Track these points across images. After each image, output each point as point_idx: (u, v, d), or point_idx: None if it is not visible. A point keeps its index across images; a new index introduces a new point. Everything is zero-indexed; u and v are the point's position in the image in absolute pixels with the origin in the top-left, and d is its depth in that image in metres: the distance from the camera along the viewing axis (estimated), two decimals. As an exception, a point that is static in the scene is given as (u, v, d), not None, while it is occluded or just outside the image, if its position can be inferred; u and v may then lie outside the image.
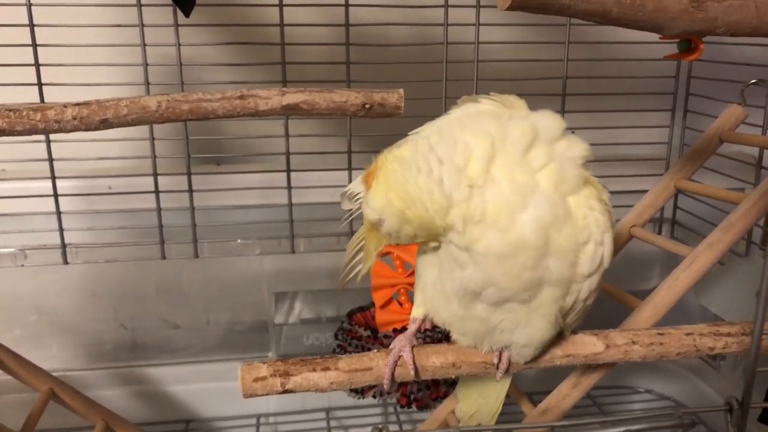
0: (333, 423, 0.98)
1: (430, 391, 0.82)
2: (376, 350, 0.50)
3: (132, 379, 0.97)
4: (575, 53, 0.88)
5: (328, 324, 0.98)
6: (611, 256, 0.48)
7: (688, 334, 0.52)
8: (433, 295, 0.51)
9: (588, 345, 0.52)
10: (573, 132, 0.97)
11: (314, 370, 0.47)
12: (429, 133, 0.49)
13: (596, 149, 0.96)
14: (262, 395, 0.47)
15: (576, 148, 0.48)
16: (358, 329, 0.85)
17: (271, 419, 0.99)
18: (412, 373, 0.51)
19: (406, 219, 0.45)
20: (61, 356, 0.95)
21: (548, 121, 0.48)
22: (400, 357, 0.51)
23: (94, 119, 0.63)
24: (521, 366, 0.52)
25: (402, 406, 0.84)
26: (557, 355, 0.52)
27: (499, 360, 0.52)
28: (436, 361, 0.50)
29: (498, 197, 0.44)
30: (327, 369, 0.47)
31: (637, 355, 0.52)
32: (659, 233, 0.95)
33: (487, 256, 0.44)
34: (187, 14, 0.70)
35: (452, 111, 0.53)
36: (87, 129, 0.63)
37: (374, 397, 0.84)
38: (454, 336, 0.52)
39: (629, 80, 0.92)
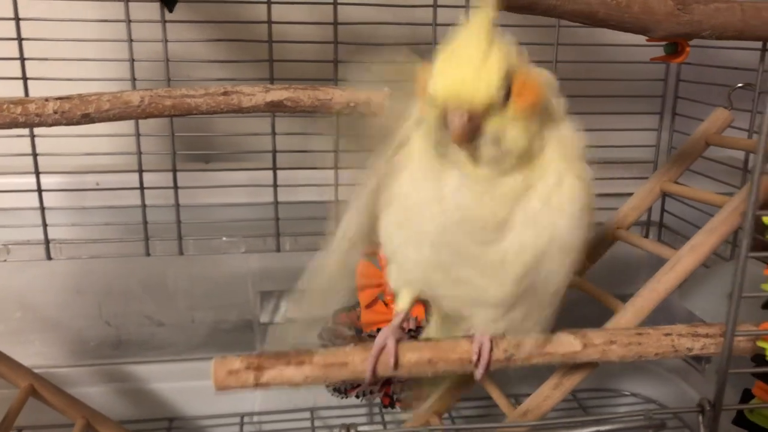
0: (318, 423, 0.98)
1: (413, 391, 0.82)
2: (353, 345, 0.50)
3: (116, 376, 0.96)
4: (565, 55, 0.88)
5: (313, 323, 0.98)
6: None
7: (666, 335, 0.52)
8: (428, 250, 0.48)
9: (565, 344, 0.52)
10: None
11: (288, 363, 0.47)
12: None
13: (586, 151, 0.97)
14: (235, 389, 0.46)
15: None
16: (343, 329, 0.85)
17: (255, 418, 0.98)
18: (392, 360, 0.50)
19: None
20: (45, 352, 0.94)
21: None
22: (382, 350, 0.51)
23: (75, 114, 0.63)
24: (498, 363, 0.52)
25: (385, 407, 0.84)
26: (535, 354, 0.51)
27: (479, 357, 0.51)
28: (412, 357, 0.50)
29: None
30: (302, 363, 0.47)
31: (615, 354, 0.52)
32: (646, 236, 0.95)
33: None
34: (170, 9, 0.70)
35: None
36: (68, 123, 0.63)
37: (357, 397, 0.84)
38: (441, 301, 0.52)
39: (618, 83, 0.92)
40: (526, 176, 0.46)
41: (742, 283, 0.47)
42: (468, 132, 0.42)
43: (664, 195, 0.80)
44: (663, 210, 0.95)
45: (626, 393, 1.06)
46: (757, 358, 0.53)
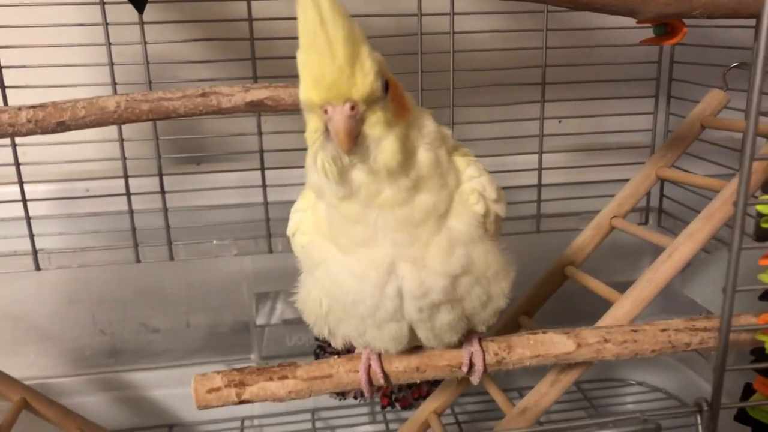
0: (319, 424, 0.97)
1: (412, 390, 0.81)
2: (336, 356, 0.48)
3: (113, 384, 0.95)
4: (555, 41, 0.85)
5: (310, 324, 0.97)
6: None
7: (663, 330, 0.50)
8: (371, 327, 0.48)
9: (558, 344, 0.50)
10: (560, 121, 0.96)
11: (271, 379, 0.45)
12: None
13: (581, 138, 0.96)
14: (217, 407, 0.45)
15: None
16: (338, 329, 0.83)
17: (256, 421, 0.97)
18: (382, 381, 0.49)
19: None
20: (40, 364, 0.93)
21: None
22: (370, 365, 0.50)
23: (50, 122, 0.61)
24: (491, 368, 0.51)
25: (383, 407, 0.83)
26: (526, 356, 0.50)
27: (471, 366, 0.50)
28: (399, 365, 0.48)
29: None
30: (285, 377, 0.45)
31: (610, 353, 0.50)
32: (646, 223, 0.93)
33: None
34: (140, 11, 0.68)
35: None
36: (44, 132, 0.61)
37: (355, 398, 0.83)
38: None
39: (612, 67, 0.90)
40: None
41: (736, 277, 0.45)
42: (353, 128, 0.37)
43: (662, 180, 0.78)
44: (662, 195, 0.92)
45: (632, 382, 1.04)
46: (757, 351, 0.51)
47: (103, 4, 0.76)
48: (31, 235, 0.81)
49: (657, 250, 1.00)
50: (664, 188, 0.92)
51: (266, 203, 0.86)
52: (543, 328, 0.53)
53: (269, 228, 0.86)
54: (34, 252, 0.82)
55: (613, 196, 0.79)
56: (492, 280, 0.48)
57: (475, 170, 0.48)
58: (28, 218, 0.81)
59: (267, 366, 0.46)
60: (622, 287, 0.68)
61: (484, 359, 0.49)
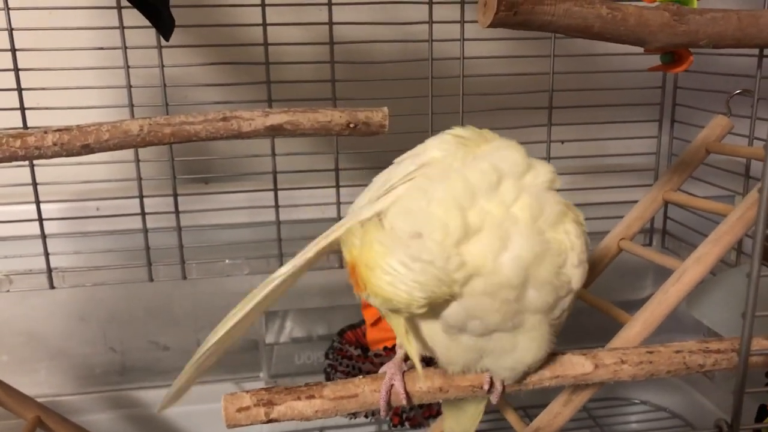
0: (327, 442, 0.97)
1: (423, 409, 0.81)
2: (361, 376, 0.49)
3: (122, 402, 0.96)
4: (561, 66, 0.88)
5: (319, 342, 0.98)
6: (583, 279, 0.47)
7: (677, 352, 0.52)
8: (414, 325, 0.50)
9: (576, 365, 0.51)
10: (563, 143, 0.98)
11: (299, 398, 0.46)
12: (389, 204, 0.46)
13: (585, 161, 0.97)
14: (246, 425, 0.46)
15: (542, 172, 0.47)
16: (349, 348, 0.84)
17: (264, 440, 0.98)
18: (404, 401, 0.50)
19: (415, 303, 0.42)
20: (50, 381, 0.94)
21: (510, 154, 0.46)
22: (392, 385, 0.51)
23: (75, 145, 0.62)
24: (511, 388, 0.52)
25: (394, 426, 0.83)
26: (546, 377, 0.51)
27: (491, 385, 0.51)
28: (422, 386, 0.49)
29: (481, 246, 0.43)
30: (312, 397, 0.46)
31: (627, 374, 0.51)
32: (650, 244, 0.95)
33: (472, 296, 0.43)
34: (166, 38, 0.70)
35: (401, 160, 0.52)
36: (68, 155, 0.63)
37: (366, 417, 0.84)
38: (440, 363, 0.51)
39: (616, 92, 0.92)
40: None
41: (755, 304, 0.47)
42: None
43: (666, 204, 0.80)
44: (665, 217, 0.94)
45: (636, 401, 1.05)
46: (770, 372, 0.53)
47: (123, 28, 0.78)
48: (47, 254, 0.82)
49: (659, 270, 1.02)
50: (667, 210, 0.94)
51: (278, 223, 0.87)
52: (559, 350, 0.54)
53: (281, 248, 0.88)
54: (49, 270, 0.83)
55: (617, 217, 0.81)
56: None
57: (574, 228, 0.46)
58: (43, 237, 0.82)
59: (295, 386, 0.47)
60: (624, 306, 0.70)
61: (502, 380, 0.51)
